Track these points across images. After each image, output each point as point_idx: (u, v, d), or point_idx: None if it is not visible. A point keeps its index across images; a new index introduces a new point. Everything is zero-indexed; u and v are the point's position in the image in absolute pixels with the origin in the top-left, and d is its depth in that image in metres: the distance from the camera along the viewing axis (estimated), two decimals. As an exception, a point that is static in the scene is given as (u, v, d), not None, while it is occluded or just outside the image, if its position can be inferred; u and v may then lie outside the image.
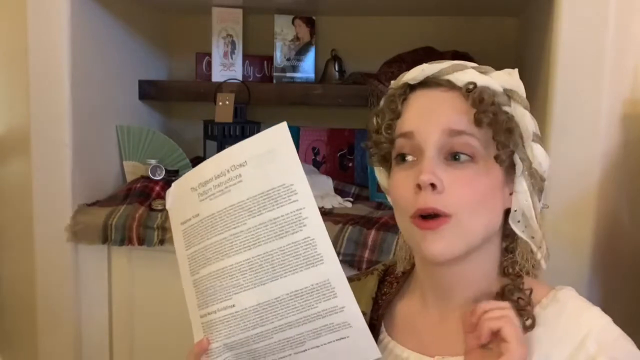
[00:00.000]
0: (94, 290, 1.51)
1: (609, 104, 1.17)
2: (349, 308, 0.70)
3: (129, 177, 1.69)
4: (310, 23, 1.86)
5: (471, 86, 0.71)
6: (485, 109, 0.69)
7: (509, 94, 0.72)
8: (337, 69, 1.83)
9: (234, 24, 1.82)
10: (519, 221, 0.73)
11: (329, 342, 0.72)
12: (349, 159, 1.89)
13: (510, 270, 0.75)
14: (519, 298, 0.72)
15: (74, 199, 1.47)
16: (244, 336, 0.73)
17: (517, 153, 0.72)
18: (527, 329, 0.71)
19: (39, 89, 1.44)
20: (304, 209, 0.69)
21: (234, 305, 0.72)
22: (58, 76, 1.43)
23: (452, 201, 0.69)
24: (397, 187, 0.74)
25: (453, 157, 0.70)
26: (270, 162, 0.70)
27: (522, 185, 0.72)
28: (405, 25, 1.81)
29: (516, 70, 0.74)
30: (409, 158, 0.73)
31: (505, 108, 0.71)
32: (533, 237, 0.74)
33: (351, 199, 1.65)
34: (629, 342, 0.70)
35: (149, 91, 1.79)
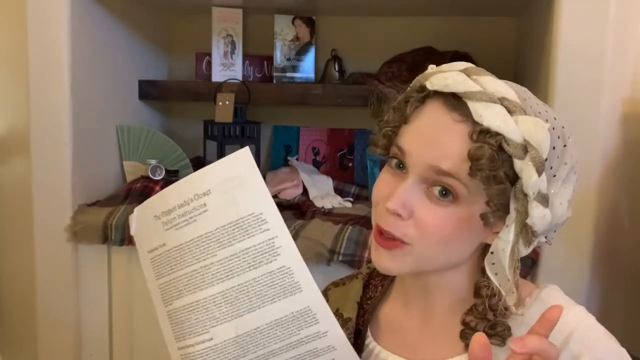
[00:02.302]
0: (94, 290, 1.51)
1: (609, 103, 1.17)
2: (332, 332, 0.69)
3: (129, 177, 1.69)
4: (310, 23, 1.86)
5: (482, 136, 0.64)
6: (481, 167, 0.64)
7: (528, 147, 0.64)
8: (337, 69, 1.83)
9: (234, 24, 1.82)
10: (493, 263, 0.69)
11: None
12: (349, 159, 1.89)
13: (483, 292, 0.71)
14: (493, 315, 0.70)
15: (74, 199, 1.47)
16: None
17: (514, 203, 0.66)
18: (503, 340, 0.69)
19: (39, 89, 1.44)
20: (277, 237, 0.67)
21: (212, 339, 0.70)
22: (58, 76, 1.43)
23: (413, 232, 0.67)
24: (377, 185, 0.73)
25: (437, 190, 0.67)
26: (235, 190, 0.68)
27: (507, 236, 0.67)
28: (405, 25, 1.81)
29: (547, 124, 0.65)
30: (402, 168, 0.70)
31: (516, 160, 0.64)
32: (505, 282, 0.69)
33: (351, 199, 1.65)
34: (613, 340, 0.69)
35: (149, 91, 1.79)
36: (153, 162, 1.63)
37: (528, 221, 0.66)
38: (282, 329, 0.69)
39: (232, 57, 1.82)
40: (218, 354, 0.70)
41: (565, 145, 0.68)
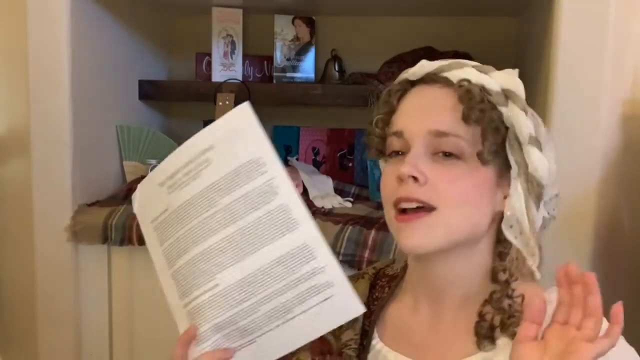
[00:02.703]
0: (94, 290, 1.51)
1: (609, 104, 1.17)
2: (329, 267, 0.71)
3: (129, 177, 1.69)
4: (310, 23, 1.86)
5: (464, 83, 0.71)
6: (473, 105, 0.69)
7: (507, 94, 0.72)
8: (337, 69, 1.83)
9: (234, 24, 1.81)
10: (511, 226, 0.72)
11: (315, 305, 0.72)
12: (349, 159, 1.89)
13: (500, 277, 0.73)
14: (509, 305, 0.71)
15: (74, 199, 1.47)
16: (231, 313, 0.73)
17: (513, 155, 0.71)
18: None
19: (39, 89, 1.44)
20: (274, 178, 0.70)
21: (217, 285, 0.72)
22: (58, 76, 1.43)
23: (435, 194, 0.69)
24: (384, 180, 0.75)
25: (442, 154, 0.70)
26: (236, 141, 0.72)
27: (516, 188, 0.71)
28: (405, 25, 1.81)
29: (516, 70, 0.74)
30: (400, 155, 0.73)
31: (501, 108, 0.71)
32: (527, 245, 0.72)
33: (351, 199, 1.65)
34: (621, 341, 0.69)
35: (149, 91, 1.79)
36: (153, 162, 1.63)
37: (530, 169, 0.71)
38: (282, 267, 0.71)
39: (232, 57, 1.82)
40: (224, 300, 0.73)
41: (533, 115, 0.75)
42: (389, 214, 0.73)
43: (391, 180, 0.72)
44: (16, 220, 1.69)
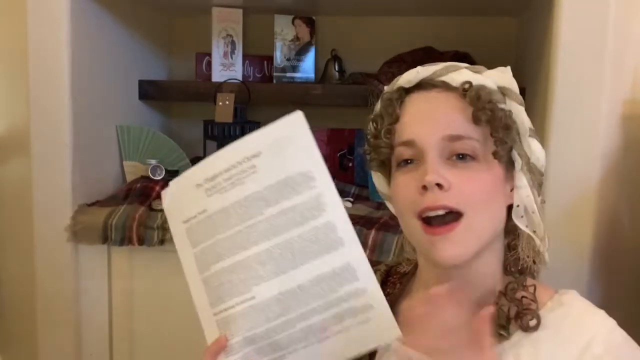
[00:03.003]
0: (94, 290, 1.51)
1: (609, 104, 1.17)
2: (371, 289, 0.69)
3: (129, 177, 1.69)
4: (310, 23, 1.86)
5: (467, 85, 0.72)
6: (483, 106, 0.70)
7: (503, 91, 0.73)
8: (337, 69, 1.83)
9: (234, 24, 1.81)
10: (522, 216, 0.74)
11: (352, 326, 0.71)
12: (349, 159, 1.89)
13: (513, 267, 0.75)
14: (522, 297, 0.73)
15: (74, 199, 1.47)
16: (266, 327, 0.71)
17: (515, 149, 0.73)
18: (532, 328, 0.71)
19: (39, 89, 1.44)
20: (323, 194, 0.69)
21: (254, 297, 0.71)
22: (58, 76, 1.43)
23: (461, 198, 0.69)
24: (400, 190, 0.74)
25: (456, 157, 0.71)
26: (286, 150, 0.70)
27: (522, 180, 0.73)
28: (405, 25, 1.81)
29: (509, 67, 0.75)
30: (411, 163, 0.73)
31: (501, 105, 0.72)
32: (535, 231, 0.75)
33: (351, 199, 1.65)
34: (633, 344, 0.71)
35: (149, 91, 1.79)
36: (153, 162, 1.63)
37: (532, 159, 0.73)
38: (323, 285, 0.69)
39: (232, 57, 1.82)
40: (259, 313, 0.71)
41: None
42: (412, 225, 0.73)
43: (408, 190, 0.72)
44: (16, 220, 1.69)
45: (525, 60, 1.59)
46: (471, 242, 0.70)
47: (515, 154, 0.73)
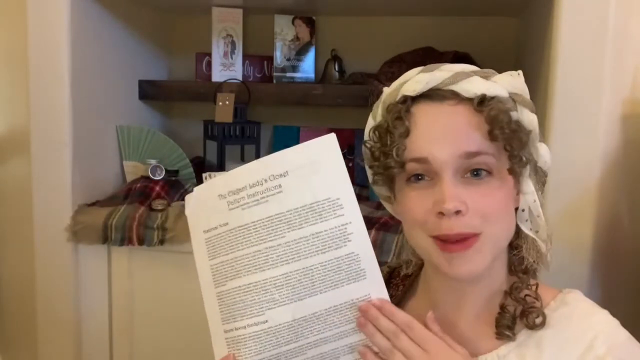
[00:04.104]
0: (94, 290, 1.51)
1: (609, 104, 1.17)
2: None
3: (129, 177, 1.69)
4: (310, 23, 1.86)
5: (482, 99, 0.69)
6: (502, 125, 0.67)
7: (514, 98, 0.71)
8: (337, 69, 1.83)
9: (234, 24, 1.81)
10: (526, 220, 0.74)
11: None
12: (349, 159, 1.89)
13: (517, 267, 0.75)
14: (526, 295, 0.73)
15: (74, 199, 1.47)
16: (275, 352, 0.70)
17: (524, 154, 0.71)
18: (537, 326, 0.71)
19: (39, 89, 1.44)
20: (350, 223, 0.67)
21: (266, 321, 0.69)
22: (58, 76, 1.43)
23: (477, 219, 0.68)
24: (412, 207, 0.71)
25: (471, 173, 0.69)
26: (315, 174, 0.68)
27: (529, 186, 0.72)
28: (405, 25, 1.81)
29: (520, 73, 0.73)
30: (422, 179, 0.70)
31: (513, 113, 0.70)
32: (538, 232, 0.75)
33: (351, 199, 1.65)
34: (636, 344, 0.71)
35: (149, 91, 1.79)
36: (153, 162, 1.63)
37: (540, 163, 0.73)
38: (339, 315, 0.68)
39: (232, 57, 1.82)
40: (270, 338, 0.70)
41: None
42: (424, 242, 0.71)
43: (421, 209, 0.69)
44: (16, 220, 1.69)
45: (525, 60, 1.59)
46: (487, 255, 0.69)
47: (524, 159, 0.71)
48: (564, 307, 0.73)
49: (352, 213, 0.67)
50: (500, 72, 0.75)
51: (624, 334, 0.71)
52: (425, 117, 0.71)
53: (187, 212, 0.76)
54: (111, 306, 1.53)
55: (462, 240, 0.68)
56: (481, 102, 0.69)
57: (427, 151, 0.69)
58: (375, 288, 0.68)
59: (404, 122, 0.70)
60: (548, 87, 1.18)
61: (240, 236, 0.70)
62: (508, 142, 0.68)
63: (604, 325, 0.71)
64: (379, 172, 0.74)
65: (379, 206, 1.57)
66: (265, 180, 0.69)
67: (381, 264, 0.92)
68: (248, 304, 0.70)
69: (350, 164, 1.89)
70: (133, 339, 1.54)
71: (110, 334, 1.54)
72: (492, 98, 0.69)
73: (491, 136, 0.68)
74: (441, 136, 0.69)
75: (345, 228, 0.67)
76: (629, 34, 1.20)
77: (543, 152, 0.73)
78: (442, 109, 0.70)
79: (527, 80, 0.75)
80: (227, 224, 0.71)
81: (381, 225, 1.35)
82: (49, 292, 1.50)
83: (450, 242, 0.68)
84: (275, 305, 0.69)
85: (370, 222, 1.38)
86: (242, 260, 0.70)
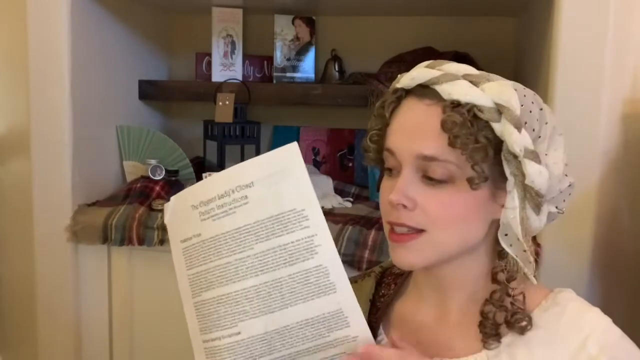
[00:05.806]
0: (94, 290, 1.51)
1: (609, 103, 1.17)
2: (362, 337, 0.69)
3: (129, 177, 1.69)
4: (310, 23, 1.86)
5: (457, 104, 0.67)
6: (457, 133, 0.66)
7: (500, 109, 0.67)
8: (337, 69, 1.83)
9: (234, 24, 1.82)
10: (506, 234, 0.71)
11: None
12: (349, 159, 1.89)
13: (500, 277, 0.73)
14: (511, 303, 0.72)
15: (74, 199, 1.47)
16: None
17: (509, 167, 0.69)
18: (524, 329, 0.71)
19: (39, 89, 1.44)
20: (316, 235, 0.67)
21: (239, 333, 0.69)
22: (58, 76, 1.43)
23: (424, 219, 0.69)
24: (381, 195, 0.75)
25: (429, 178, 0.69)
26: (279, 184, 0.67)
27: (512, 201, 0.69)
28: (405, 25, 1.81)
29: (510, 83, 0.70)
30: (394, 171, 0.73)
31: (494, 124, 0.67)
32: (521, 252, 0.71)
33: (351, 199, 1.65)
34: (629, 342, 0.71)
35: (149, 91, 1.79)
36: (153, 162, 1.63)
37: (527, 181, 0.69)
38: (311, 329, 0.68)
39: (232, 57, 1.82)
40: (244, 350, 0.69)
41: (541, 109, 0.72)
42: (385, 226, 0.75)
43: (385, 198, 0.73)
44: (16, 220, 1.69)
45: (525, 60, 1.59)
46: (429, 254, 0.71)
47: (507, 172, 0.69)
48: (555, 307, 0.73)
49: (317, 224, 0.67)
50: (499, 72, 0.74)
51: (616, 332, 0.70)
52: (405, 111, 0.73)
53: (166, 220, 0.77)
54: (111, 306, 1.53)
55: (404, 234, 0.70)
56: (456, 107, 0.67)
57: (394, 144, 0.72)
58: (346, 303, 0.67)
59: (385, 113, 0.74)
60: (548, 87, 1.18)
61: (212, 247, 0.70)
62: (469, 153, 0.66)
63: (595, 324, 0.70)
64: (365, 152, 0.79)
65: (379, 206, 1.57)
66: (233, 191, 0.69)
67: (378, 264, 0.93)
68: (222, 315, 0.70)
69: (350, 164, 1.89)
70: (133, 339, 1.54)
71: (110, 334, 1.54)
72: (467, 104, 0.67)
73: (450, 143, 0.67)
74: (408, 133, 0.71)
75: (312, 240, 0.67)
76: (629, 34, 1.20)
77: (531, 171, 0.67)
78: (418, 107, 0.71)
79: (527, 80, 0.74)
80: (200, 234, 0.71)
81: (381, 225, 1.35)
82: (49, 292, 1.50)
83: (395, 232, 0.71)
84: (247, 317, 0.69)
85: (370, 222, 1.39)
86: (215, 271, 0.70)
